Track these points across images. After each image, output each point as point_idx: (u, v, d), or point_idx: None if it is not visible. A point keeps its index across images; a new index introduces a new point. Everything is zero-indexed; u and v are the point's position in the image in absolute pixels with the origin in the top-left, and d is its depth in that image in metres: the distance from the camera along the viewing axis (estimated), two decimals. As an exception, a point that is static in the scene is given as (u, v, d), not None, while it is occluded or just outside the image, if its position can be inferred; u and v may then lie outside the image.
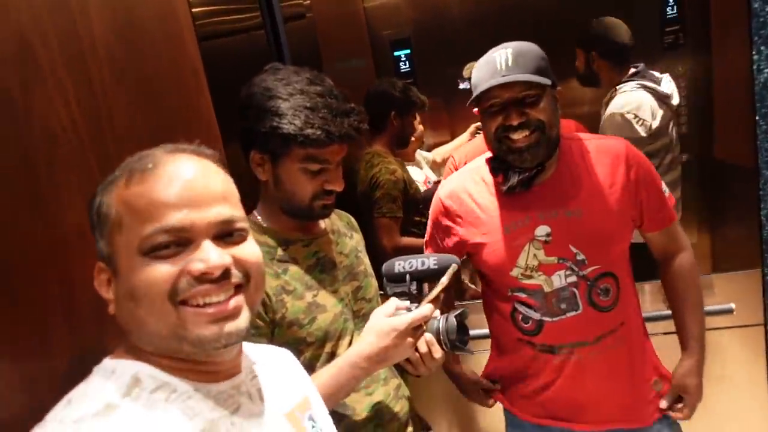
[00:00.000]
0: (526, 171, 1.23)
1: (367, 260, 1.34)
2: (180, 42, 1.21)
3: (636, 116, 2.08)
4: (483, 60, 1.23)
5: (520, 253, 1.25)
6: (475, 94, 1.21)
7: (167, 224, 0.65)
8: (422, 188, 2.35)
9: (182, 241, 0.66)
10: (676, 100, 2.17)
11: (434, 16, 3.39)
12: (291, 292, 1.11)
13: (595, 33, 2.25)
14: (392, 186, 2.14)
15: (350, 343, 1.16)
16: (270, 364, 0.85)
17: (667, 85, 2.16)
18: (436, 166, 2.67)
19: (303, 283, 1.14)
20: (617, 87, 2.17)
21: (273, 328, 1.08)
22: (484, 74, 1.20)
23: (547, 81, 1.18)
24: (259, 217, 1.18)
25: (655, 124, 2.11)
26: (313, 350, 1.12)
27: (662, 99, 2.13)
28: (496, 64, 1.18)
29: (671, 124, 2.17)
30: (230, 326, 0.67)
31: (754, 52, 1.54)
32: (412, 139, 2.39)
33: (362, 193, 2.22)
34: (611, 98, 2.18)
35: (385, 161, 2.20)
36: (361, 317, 1.21)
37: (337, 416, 1.13)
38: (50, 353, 0.79)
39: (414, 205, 2.24)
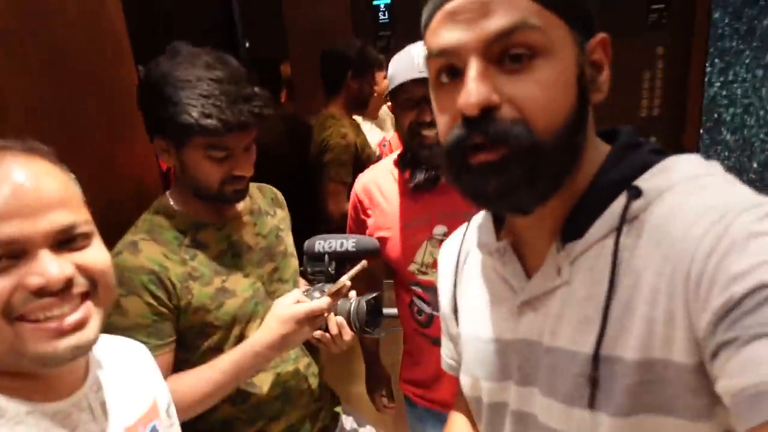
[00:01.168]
0: (433, 169, 1.24)
1: (289, 239, 1.34)
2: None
3: None
4: (402, 53, 1.22)
5: (417, 249, 1.28)
6: (390, 87, 1.21)
7: None
8: (377, 150, 2.32)
9: (15, 253, 0.59)
10: None
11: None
12: (198, 278, 1.11)
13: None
14: (342, 150, 2.10)
15: (260, 326, 1.18)
16: (119, 365, 0.80)
17: None
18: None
19: (211, 269, 1.14)
20: None
21: (178, 313, 1.09)
22: (400, 68, 1.19)
23: None
24: (171, 201, 1.16)
25: None
26: (221, 333, 1.13)
27: None
28: (413, 59, 1.16)
29: None
30: (75, 339, 0.62)
31: (707, 64, 1.50)
32: (375, 95, 2.32)
33: (313, 156, 2.18)
34: None
35: (338, 124, 2.14)
36: (275, 298, 1.23)
37: (244, 394, 1.17)
38: None
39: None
